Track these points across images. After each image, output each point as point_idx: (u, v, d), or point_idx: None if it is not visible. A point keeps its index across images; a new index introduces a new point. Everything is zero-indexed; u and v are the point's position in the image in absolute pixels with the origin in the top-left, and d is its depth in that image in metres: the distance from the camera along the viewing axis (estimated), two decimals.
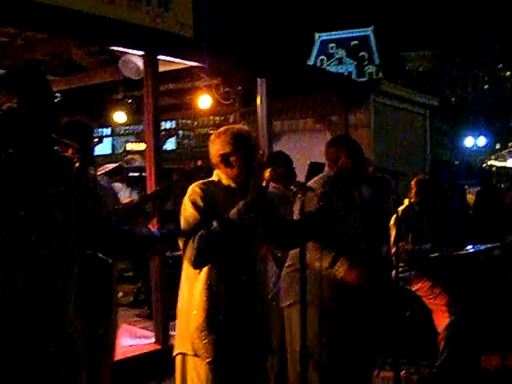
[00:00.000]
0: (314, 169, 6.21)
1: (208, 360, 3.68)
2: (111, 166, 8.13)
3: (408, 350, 6.54)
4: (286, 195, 5.60)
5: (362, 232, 5.12)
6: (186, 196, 3.83)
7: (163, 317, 7.51)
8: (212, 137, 3.96)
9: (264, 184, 3.73)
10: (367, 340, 5.12)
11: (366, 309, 5.14)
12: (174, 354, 3.89)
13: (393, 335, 5.43)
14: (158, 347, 7.46)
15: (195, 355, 3.73)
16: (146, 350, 7.39)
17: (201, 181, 3.90)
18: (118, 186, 9.67)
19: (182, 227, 3.79)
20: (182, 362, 3.83)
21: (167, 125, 15.66)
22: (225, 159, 3.84)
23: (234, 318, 3.75)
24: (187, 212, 3.76)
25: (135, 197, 9.40)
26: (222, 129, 3.97)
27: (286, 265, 5.02)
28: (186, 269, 3.83)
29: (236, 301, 3.77)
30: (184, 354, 3.80)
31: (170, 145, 19.92)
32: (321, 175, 5.08)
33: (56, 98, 2.76)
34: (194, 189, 3.81)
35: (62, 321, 2.79)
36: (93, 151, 3.89)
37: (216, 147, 3.89)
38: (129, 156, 11.93)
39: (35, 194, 2.70)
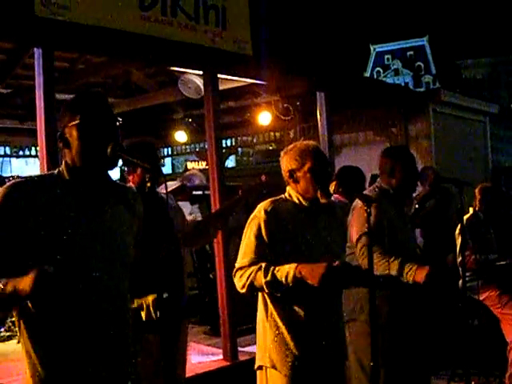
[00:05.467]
0: (376, 181, 6.27)
1: (285, 373, 3.73)
2: (173, 184, 8.18)
3: (477, 361, 6.48)
4: (348, 207, 5.63)
5: (415, 244, 5.16)
6: (252, 215, 3.88)
7: (231, 333, 7.48)
8: (281, 154, 4.04)
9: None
10: (423, 352, 5.08)
11: (422, 322, 5.10)
12: (255, 367, 3.95)
13: (461, 345, 5.39)
14: (227, 363, 7.42)
15: (273, 367, 3.78)
16: (214, 367, 7.31)
17: (270, 199, 3.94)
18: (180, 204, 9.73)
19: (241, 249, 3.85)
20: (263, 375, 3.88)
21: (227, 142, 15.80)
22: (292, 175, 3.91)
23: (309, 332, 3.78)
24: (247, 239, 3.83)
25: (197, 213, 9.45)
26: (290, 145, 4.05)
27: None
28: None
29: (311, 316, 3.79)
30: (264, 367, 3.85)
31: (230, 162, 20.02)
32: (374, 186, 5.14)
33: (117, 120, 2.92)
34: (260, 211, 3.85)
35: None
36: (162, 171, 3.95)
37: (284, 164, 3.98)
38: (188, 172, 11.84)
39: (90, 212, 2.87)
